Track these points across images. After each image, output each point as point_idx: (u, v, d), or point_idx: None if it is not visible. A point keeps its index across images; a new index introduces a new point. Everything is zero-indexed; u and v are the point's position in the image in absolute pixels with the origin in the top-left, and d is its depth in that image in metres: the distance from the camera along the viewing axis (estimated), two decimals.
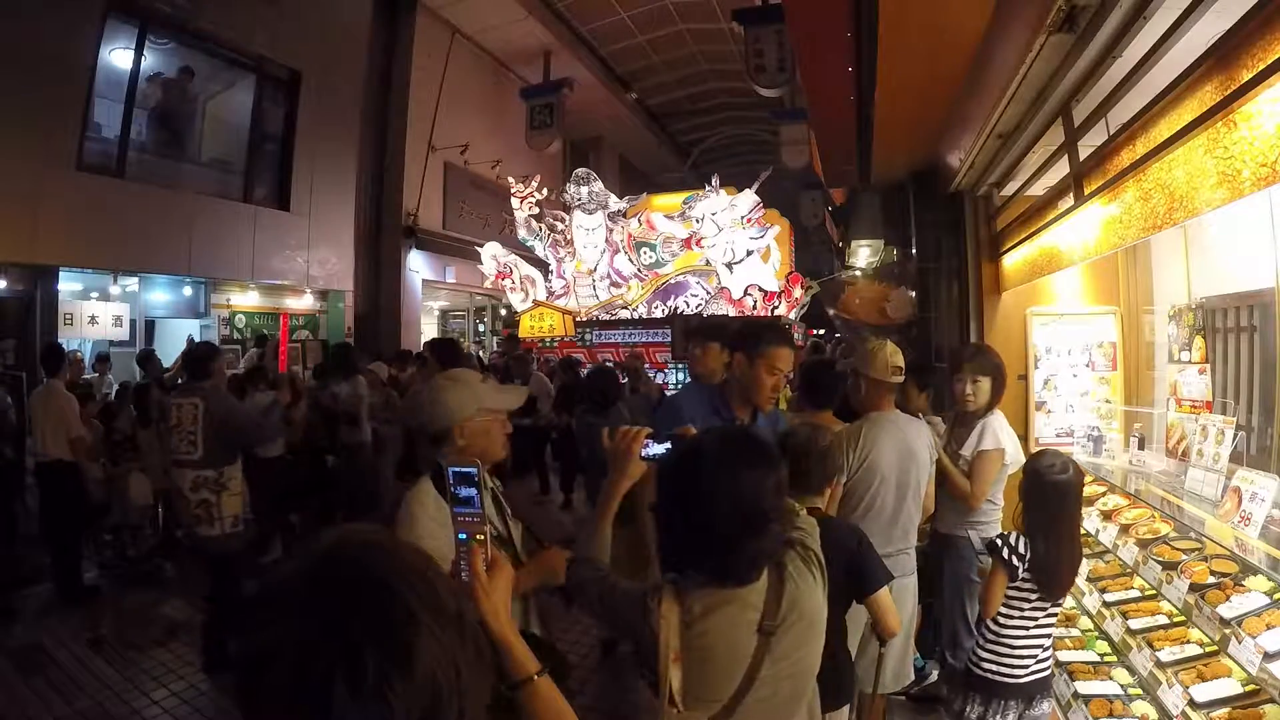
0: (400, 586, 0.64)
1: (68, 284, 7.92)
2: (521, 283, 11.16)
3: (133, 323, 8.69)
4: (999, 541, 2.28)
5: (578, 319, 10.74)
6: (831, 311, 8.72)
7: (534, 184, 11.16)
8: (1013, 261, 4.47)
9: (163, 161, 8.77)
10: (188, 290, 9.65)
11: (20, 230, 6.90)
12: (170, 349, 8.37)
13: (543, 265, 11.52)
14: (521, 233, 11.33)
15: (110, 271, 8.37)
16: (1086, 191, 3.02)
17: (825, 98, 4.87)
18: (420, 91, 11.85)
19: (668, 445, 1.54)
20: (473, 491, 1.10)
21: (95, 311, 7.99)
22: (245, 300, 10.24)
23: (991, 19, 3.18)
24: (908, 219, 5.98)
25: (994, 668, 2.29)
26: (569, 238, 11.15)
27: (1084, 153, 3.09)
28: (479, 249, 11.53)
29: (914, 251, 5.82)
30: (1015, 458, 3.12)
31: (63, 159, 7.23)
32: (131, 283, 8.85)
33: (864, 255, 9.20)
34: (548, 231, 11.30)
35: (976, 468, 3.06)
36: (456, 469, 1.11)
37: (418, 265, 12.20)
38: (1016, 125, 3.62)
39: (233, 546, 3.85)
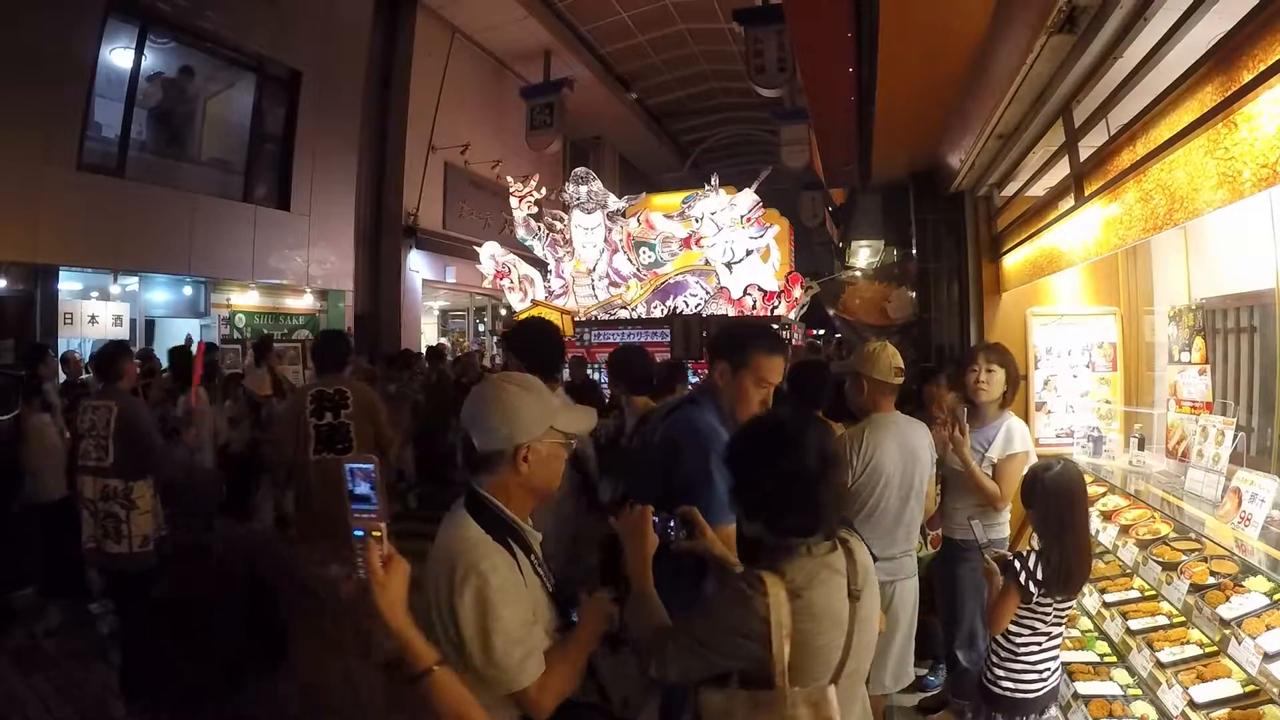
0: (284, 591, 0.66)
1: (68, 283, 7.92)
2: (520, 282, 11.10)
3: (133, 322, 8.69)
4: (1016, 563, 2.23)
5: (576, 319, 10.70)
6: (831, 312, 8.70)
7: (532, 183, 11.14)
8: (1013, 262, 4.47)
9: (163, 161, 8.77)
10: (188, 290, 9.66)
11: (20, 229, 6.91)
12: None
13: (541, 265, 11.51)
14: (520, 232, 11.30)
15: (110, 271, 8.37)
16: (1087, 192, 3.02)
17: (825, 98, 4.88)
18: (420, 91, 11.85)
19: (671, 523, 1.65)
20: (369, 488, 1.09)
21: (95, 311, 7.99)
22: (245, 300, 10.24)
23: (992, 20, 3.18)
24: (908, 219, 5.97)
25: (1012, 685, 2.25)
26: (568, 237, 11.12)
27: (1084, 153, 3.10)
28: (479, 249, 11.54)
29: (914, 252, 5.82)
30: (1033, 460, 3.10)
31: (63, 158, 7.24)
32: (132, 282, 8.86)
33: (864, 255, 9.21)
34: (546, 231, 11.26)
35: (1005, 470, 3.00)
36: (354, 465, 1.10)
37: (418, 265, 12.20)
38: (1017, 126, 3.62)
39: (141, 567, 3.50)
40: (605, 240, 10.88)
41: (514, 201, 11.15)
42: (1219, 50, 1.99)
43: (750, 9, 9.89)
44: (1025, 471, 2.70)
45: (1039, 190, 3.92)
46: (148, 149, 8.61)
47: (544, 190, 11.15)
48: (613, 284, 11.03)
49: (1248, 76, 1.82)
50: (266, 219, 9.80)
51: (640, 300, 10.74)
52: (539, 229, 11.21)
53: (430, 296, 13.58)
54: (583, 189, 10.62)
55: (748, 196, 10.16)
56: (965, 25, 3.27)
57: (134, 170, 8.18)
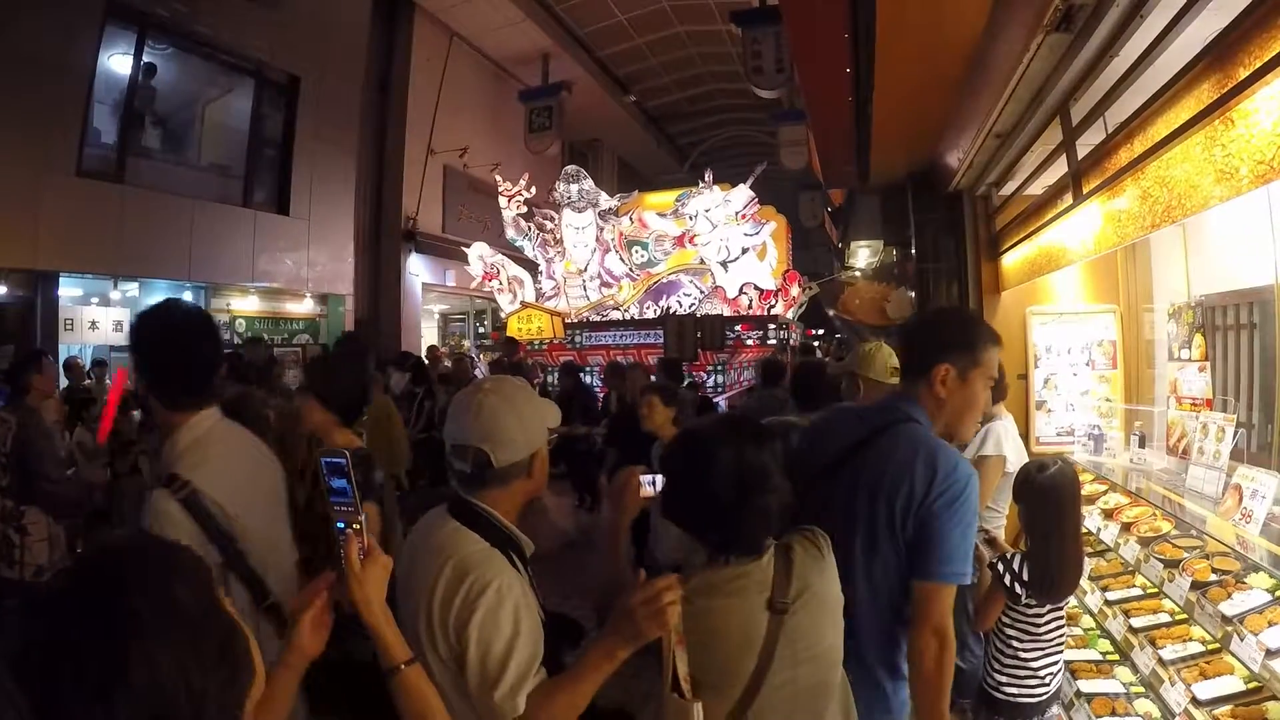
0: (128, 593, 0.68)
1: (68, 289, 7.93)
2: (509, 283, 10.84)
3: None
4: (1000, 565, 2.23)
5: (567, 320, 10.47)
6: (831, 312, 8.71)
7: (522, 182, 10.99)
8: (1012, 261, 4.47)
9: (162, 166, 8.79)
10: (188, 295, 9.65)
11: (20, 236, 6.92)
12: None
13: (532, 266, 11.34)
14: (510, 232, 11.05)
15: (110, 277, 8.38)
16: (1085, 190, 3.02)
17: (823, 99, 4.88)
18: (419, 95, 11.87)
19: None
20: (344, 481, 1.10)
21: (96, 317, 8.00)
22: (245, 305, 10.25)
23: (989, 19, 3.18)
24: (907, 219, 5.98)
25: (1015, 690, 2.23)
26: (558, 237, 10.85)
27: (1082, 151, 3.10)
28: (468, 250, 11.36)
29: (913, 252, 5.82)
30: (1019, 463, 3.10)
31: (62, 164, 7.25)
32: (132, 288, 8.86)
33: (863, 256, 9.21)
34: (536, 231, 11.00)
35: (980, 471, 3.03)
36: (328, 459, 1.10)
37: (417, 269, 12.20)
38: (1015, 124, 3.62)
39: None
40: (597, 240, 10.66)
41: (503, 201, 10.93)
42: (1215, 47, 1.99)
43: (748, 11, 9.91)
44: (1013, 473, 2.70)
45: (1037, 189, 3.92)
46: (147, 154, 8.62)
47: (533, 190, 11.02)
48: (604, 284, 10.83)
49: (1244, 73, 1.82)
50: (266, 224, 9.82)
51: (633, 301, 10.54)
52: (529, 229, 10.98)
53: (430, 300, 13.59)
54: (574, 187, 10.40)
55: (742, 192, 9.98)
56: (962, 24, 3.27)
57: (133, 176, 8.20)
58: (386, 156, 11.83)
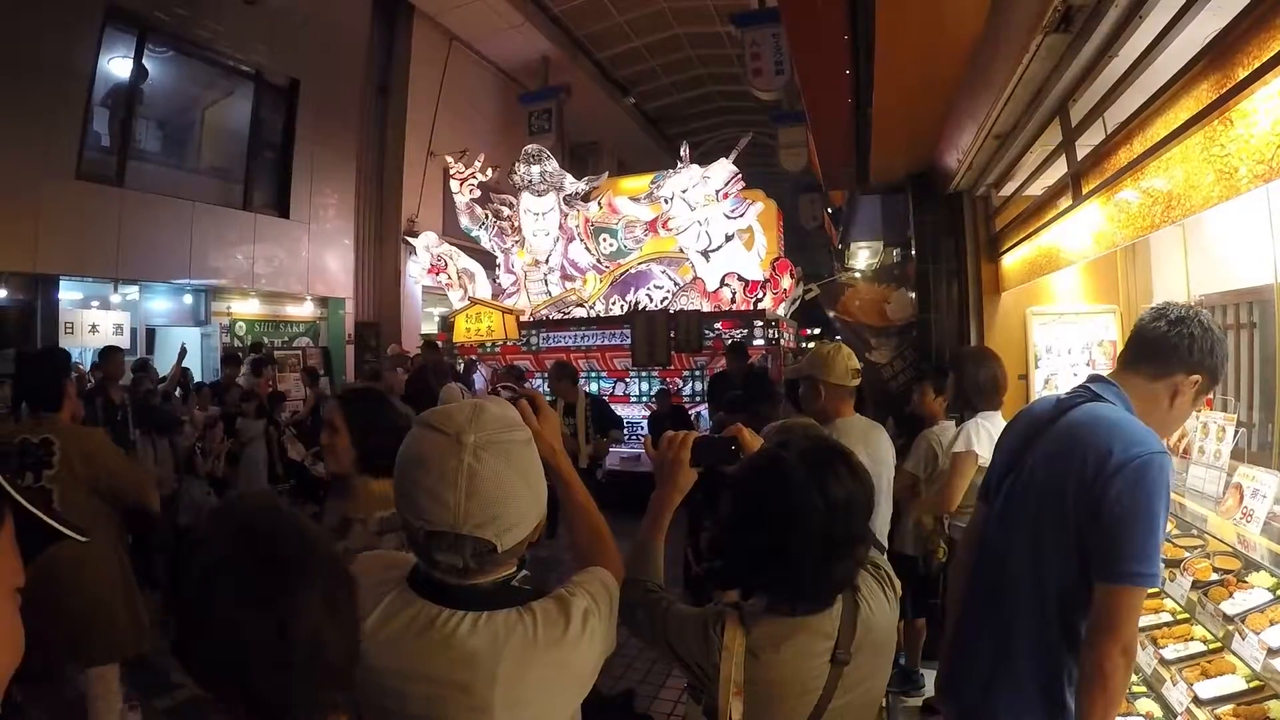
0: (299, 562, 0.79)
1: (68, 293, 7.93)
2: (459, 277, 9.55)
3: (133, 331, 8.70)
4: None
5: (521, 319, 9.09)
6: (831, 314, 8.65)
7: (476, 163, 9.78)
8: (1012, 261, 4.48)
9: (162, 170, 8.80)
10: (188, 298, 9.67)
11: (20, 239, 6.93)
12: (171, 357, 8.38)
13: (489, 258, 10.06)
14: (464, 220, 9.80)
15: (110, 280, 8.38)
16: (1085, 191, 3.02)
17: (823, 100, 4.89)
18: (419, 98, 11.88)
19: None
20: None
21: (96, 320, 8.00)
22: (246, 308, 10.25)
23: (988, 19, 3.19)
24: (906, 220, 5.98)
25: None
26: (516, 224, 9.47)
27: (1081, 152, 3.10)
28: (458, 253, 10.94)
29: (913, 253, 5.82)
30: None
31: (62, 167, 7.26)
32: (132, 291, 8.87)
33: (863, 257, 9.22)
34: (493, 219, 9.64)
35: (950, 468, 3.04)
36: None
37: (418, 271, 12.19)
38: (1014, 125, 3.63)
39: None
40: (560, 227, 9.23)
41: (454, 185, 9.75)
42: (1214, 47, 1.99)
43: (746, 12, 9.90)
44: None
45: (1037, 189, 3.93)
46: (147, 157, 8.63)
47: (490, 172, 9.87)
48: (566, 277, 9.46)
49: (1243, 73, 1.82)
50: (266, 226, 9.83)
51: (599, 295, 9.17)
52: (485, 216, 9.66)
53: (430, 302, 13.58)
54: (534, 169, 9.05)
55: (723, 167, 8.54)
56: (961, 25, 3.28)
57: (133, 179, 8.21)
58: (386, 159, 11.83)
